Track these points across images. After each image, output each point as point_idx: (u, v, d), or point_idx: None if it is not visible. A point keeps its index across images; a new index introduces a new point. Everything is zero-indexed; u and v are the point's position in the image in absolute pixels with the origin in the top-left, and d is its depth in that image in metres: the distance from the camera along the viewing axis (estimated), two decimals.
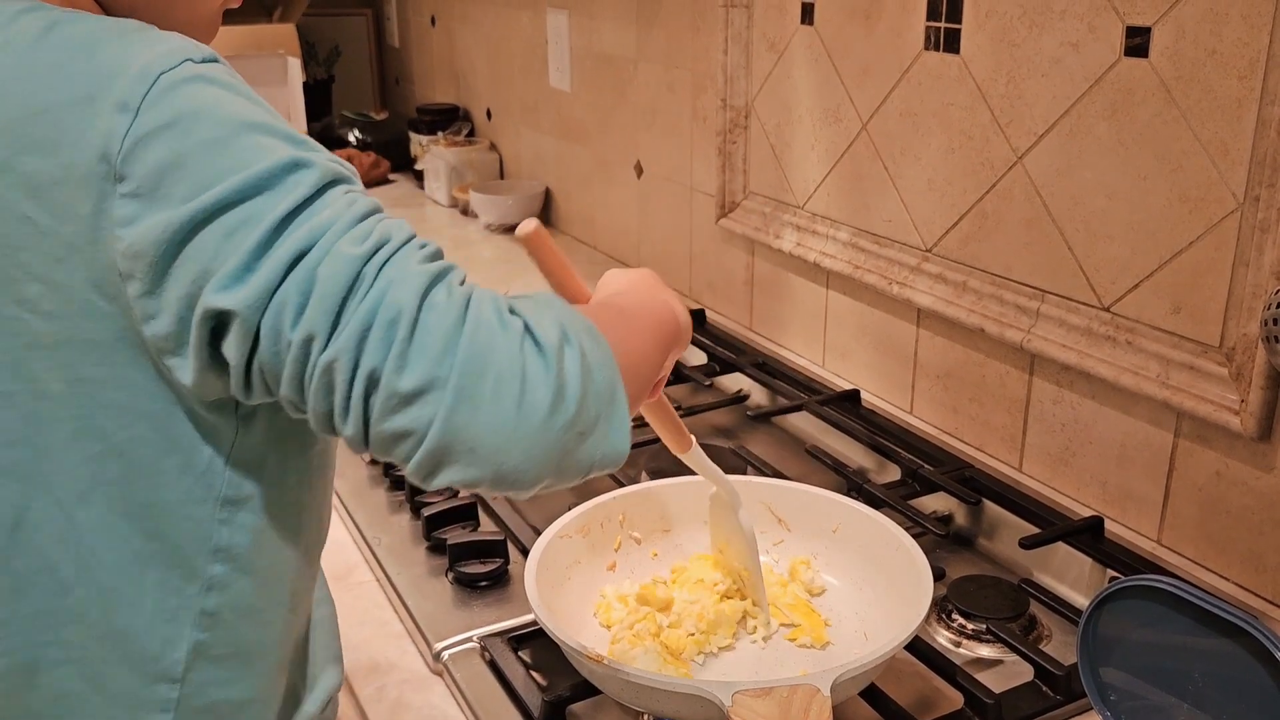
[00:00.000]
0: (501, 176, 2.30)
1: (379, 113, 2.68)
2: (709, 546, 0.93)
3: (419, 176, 2.39)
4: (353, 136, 2.55)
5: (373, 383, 0.49)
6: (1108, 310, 1.04)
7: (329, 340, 0.49)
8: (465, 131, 2.40)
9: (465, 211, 2.19)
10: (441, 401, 0.48)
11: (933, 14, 1.17)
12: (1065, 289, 1.08)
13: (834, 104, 1.33)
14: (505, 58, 2.23)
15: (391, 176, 2.49)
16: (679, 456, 0.82)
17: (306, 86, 2.53)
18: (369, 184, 2.42)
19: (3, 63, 0.53)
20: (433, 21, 2.56)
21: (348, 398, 0.49)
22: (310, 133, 2.50)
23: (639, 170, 1.80)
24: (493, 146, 2.32)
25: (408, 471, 0.51)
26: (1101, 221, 1.03)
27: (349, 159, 2.42)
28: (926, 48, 1.18)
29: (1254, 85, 0.88)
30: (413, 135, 2.43)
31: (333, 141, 2.56)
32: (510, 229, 2.09)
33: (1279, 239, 0.87)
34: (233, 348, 0.51)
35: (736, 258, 1.57)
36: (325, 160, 0.53)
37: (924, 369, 1.27)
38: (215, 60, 0.54)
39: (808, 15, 1.35)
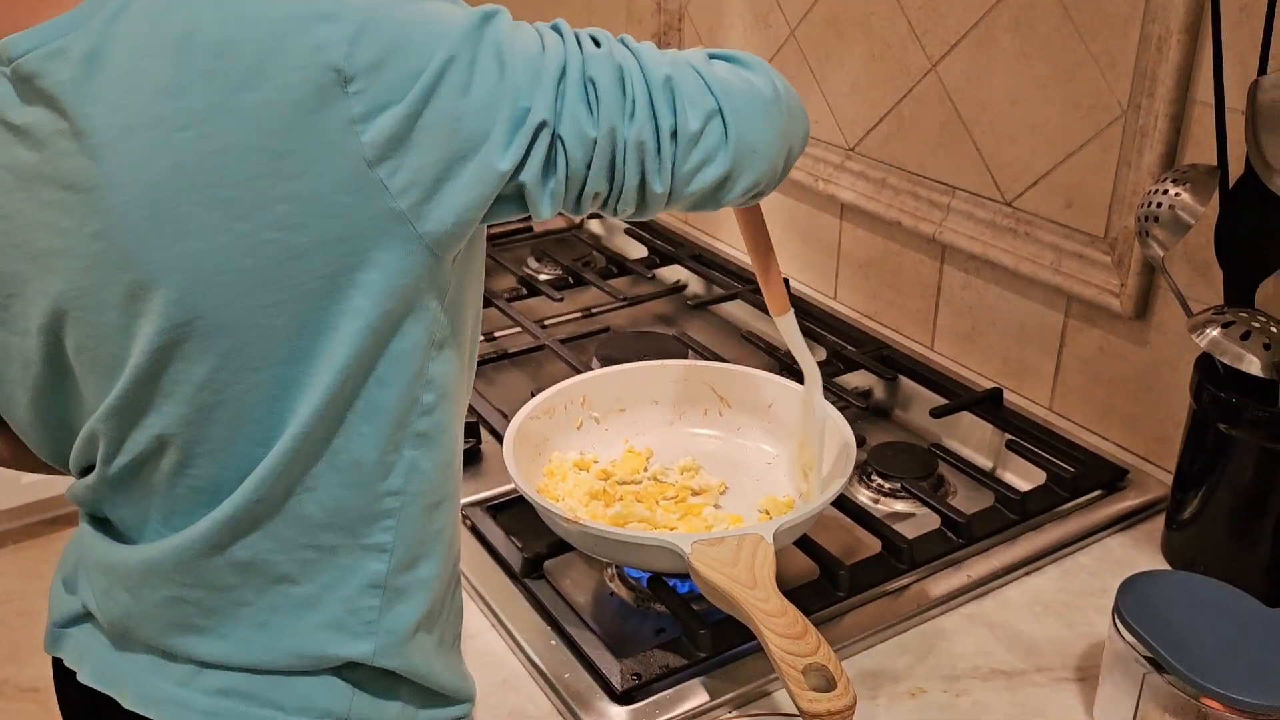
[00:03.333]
0: None
1: None
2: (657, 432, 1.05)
3: None
4: None
5: (673, 134, 0.62)
6: (1009, 205, 1.16)
7: (630, 122, 0.61)
8: None
9: None
10: (723, 123, 0.64)
11: None
12: (973, 186, 1.19)
13: (764, 10, 1.41)
14: None
15: None
16: (776, 315, 0.92)
17: None
18: None
19: (180, 17, 0.56)
20: None
21: (659, 156, 0.62)
22: None
23: None
24: None
25: (706, 195, 0.66)
26: (1005, 125, 1.14)
27: None
28: None
29: (1138, 4, 0.99)
30: None
31: None
32: None
33: (1155, 143, 0.99)
34: (535, 175, 0.60)
35: None
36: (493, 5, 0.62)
37: (846, 259, 1.38)
38: None
39: None
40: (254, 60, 0.55)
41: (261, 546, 0.64)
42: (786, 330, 0.92)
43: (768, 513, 0.95)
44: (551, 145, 0.60)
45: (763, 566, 0.77)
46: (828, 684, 0.66)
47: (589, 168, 0.61)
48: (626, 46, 0.64)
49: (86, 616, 0.73)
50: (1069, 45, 1.06)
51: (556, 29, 0.63)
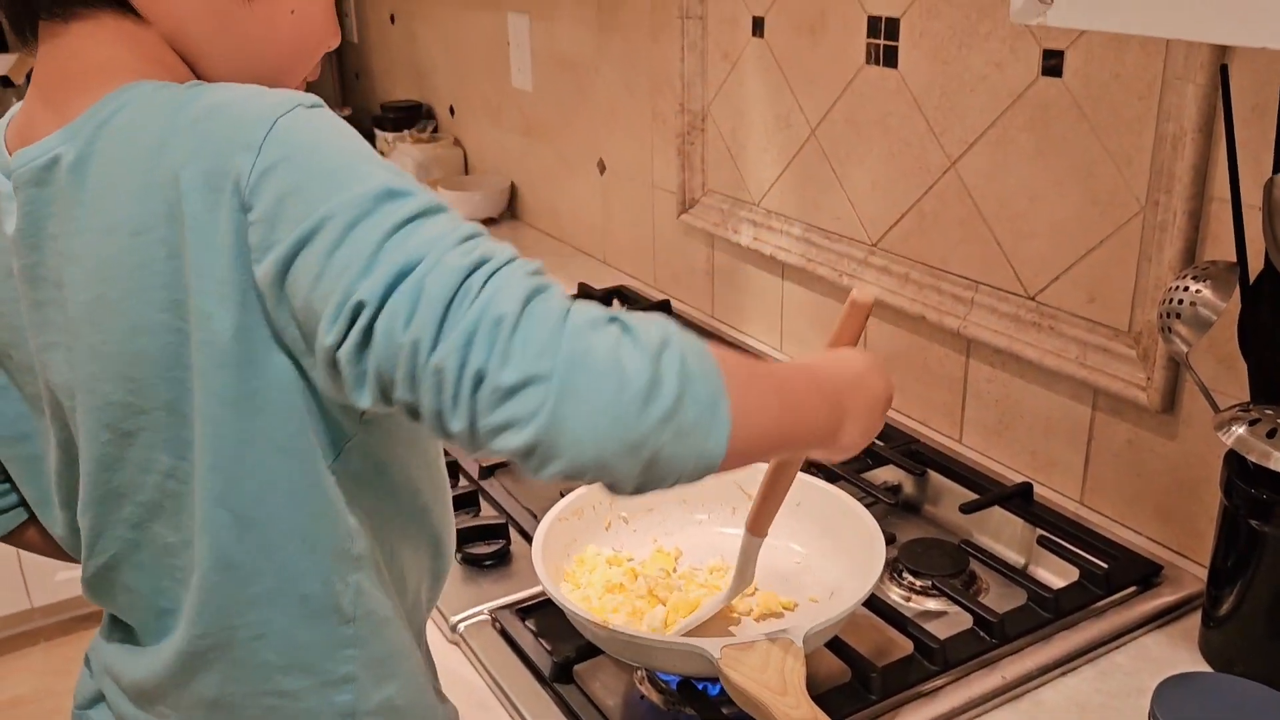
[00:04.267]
0: (466, 172, 2.39)
1: (341, 109, 2.75)
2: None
3: None
4: None
5: (479, 379, 0.52)
6: (1033, 299, 1.17)
7: (435, 343, 0.53)
8: (430, 129, 2.48)
9: None
10: (547, 394, 0.52)
11: (872, 31, 1.28)
12: (996, 280, 1.21)
13: (784, 110, 1.45)
14: (466, 57, 2.31)
15: None
16: (747, 531, 0.90)
17: None
18: None
19: (153, 131, 0.61)
20: (391, 19, 2.64)
21: (456, 395, 0.53)
22: None
23: (601, 167, 1.90)
24: (457, 142, 2.41)
25: (514, 458, 0.54)
26: (1025, 221, 1.16)
27: None
28: (867, 62, 1.30)
29: (1151, 105, 1.01)
30: (379, 133, 2.51)
31: None
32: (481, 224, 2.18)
33: (1174, 238, 1.00)
34: (349, 358, 0.55)
35: (697, 251, 1.69)
36: (425, 191, 0.58)
37: (873, 353, 1.39)
38: (321, 106, 0.62)
39: (758, 28, 1.46)
40: (199, 176, 0.59)
41: (224, 689, 0.68)
42: (749, 548, 0.90)
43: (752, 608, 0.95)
44: (367, 333, 0.55)
45: (793, 672, 0.77)
46: None
47: (395, 372, 0.55)
48: (510, 276, 0.55)
49: (102, 698, 0.77)
50: (1085, 144, 1.07)
51: (471, 235, 0.57)
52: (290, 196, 0.57)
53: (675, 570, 1.01)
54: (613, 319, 0.56)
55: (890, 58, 1.27)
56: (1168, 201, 1.00)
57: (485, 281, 0.54)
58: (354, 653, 0.67)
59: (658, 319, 0.58)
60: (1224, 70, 0.89)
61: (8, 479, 0.77)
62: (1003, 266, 1.19)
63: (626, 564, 1.00)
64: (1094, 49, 1.05)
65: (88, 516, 0.68)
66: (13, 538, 0.81)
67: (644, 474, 0.55)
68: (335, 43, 0.75)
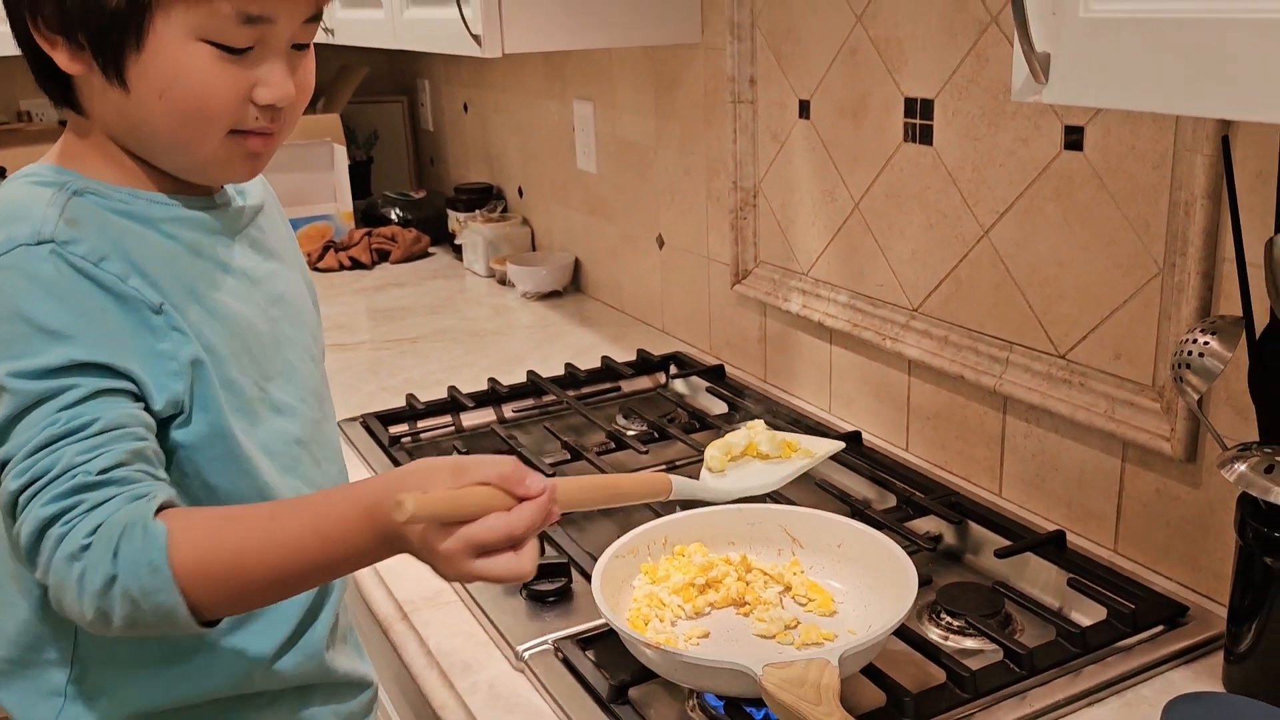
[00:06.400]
0: (534, 248, 2.52)
1: (417, 191, 2.91)
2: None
3: (458, 250, 2.61)
4: (394, 214, 2.78)
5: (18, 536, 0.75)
6: (1063, 358, 1.24)
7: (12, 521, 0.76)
8: (500, 209, 2.62)
9: (503, 281, 2.40)
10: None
11: (909, 112, 1.38)
12: (1028, 341, 1.28)
13: (830, 186, 1.55)
14: (535, 142, 2.46)
15: (432, 250, 2.71)
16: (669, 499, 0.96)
17: (348, 168, 2.77)
18: (412, 258, 2.64)
19: None
20: (465, 108, 2.80)
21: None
22: (355, 211, 2.73)
23: (660, 242, 2.02)
24: (525, 221, 2.54)
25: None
26: (1054, 285, 1.23)
27: (392, 236, 2.65)
28: (905, 140, 1.40)
29: (1165, 174, 1.09)
30: (451, 212, 2.65)
31: (376, 219, 2.79)
32: (544, 296, 2.30)
33: (1190, 297, 1.07)
34: None
35: (750, 319, 1.78)
36: (36, 383, 0.74)
37: (916, 411, 1.47)
38: (43, 245, 0.77)
39: (804, 111, 1.57)
40: None
41: None
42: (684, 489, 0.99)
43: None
44: None
45: (828, 688, 0.84)
46: None
47: None
48: (40, 501, 0.73)
49: None
50: (1106, 212, 1.15)
51: (43, 445, 0.74)
52: None
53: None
54: (86, 549, 0.72)
55: (926, 136, 1.36)
56: (1183, 263, 1.08)
57: (27, 504, 0.73)
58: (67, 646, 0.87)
59: (148, 546, 0.72)
60: (1225, 141, 0.97)
61: None
62: (1034, 328, 1.27)
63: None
64: (1110, 125, 1.13)
65: None
66: None
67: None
68: (264, 98, 0.81)
